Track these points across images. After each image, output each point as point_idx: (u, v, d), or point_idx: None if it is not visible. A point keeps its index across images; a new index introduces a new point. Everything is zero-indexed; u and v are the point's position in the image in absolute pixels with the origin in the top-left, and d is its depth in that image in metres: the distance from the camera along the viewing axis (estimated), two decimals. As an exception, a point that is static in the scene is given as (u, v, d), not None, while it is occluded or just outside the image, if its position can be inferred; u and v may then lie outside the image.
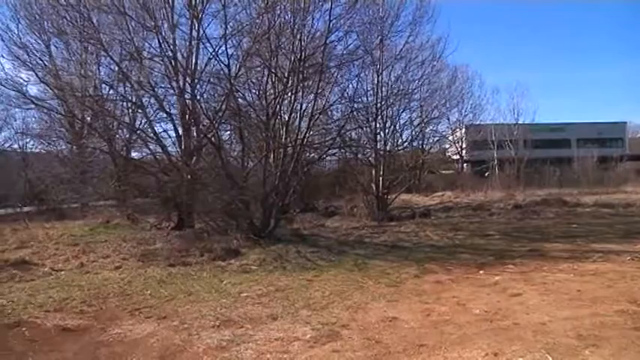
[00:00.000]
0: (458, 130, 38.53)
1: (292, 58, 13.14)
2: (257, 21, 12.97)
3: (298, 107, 14.00)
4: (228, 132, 15.22)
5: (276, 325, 6.08)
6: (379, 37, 18.61)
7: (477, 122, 44.36)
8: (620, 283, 7.99)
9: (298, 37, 13.02)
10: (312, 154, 15.54)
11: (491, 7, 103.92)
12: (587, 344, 5.12)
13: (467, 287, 8.04)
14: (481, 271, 9.31)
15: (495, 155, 47.38)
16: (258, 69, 13.79)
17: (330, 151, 15.64)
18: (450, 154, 42.98)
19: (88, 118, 16.39)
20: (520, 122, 50.12)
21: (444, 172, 39.60)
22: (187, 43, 13.88)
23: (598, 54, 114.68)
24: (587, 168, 40.00)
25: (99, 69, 16.24)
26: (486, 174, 43.36)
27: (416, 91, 21.49)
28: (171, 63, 13.27)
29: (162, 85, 13.72)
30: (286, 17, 13.13)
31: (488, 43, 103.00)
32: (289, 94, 13.52)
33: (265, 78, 13.38)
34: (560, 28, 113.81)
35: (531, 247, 12.24)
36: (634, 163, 51.12)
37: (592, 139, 54.97)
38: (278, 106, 13.41)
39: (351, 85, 16.94)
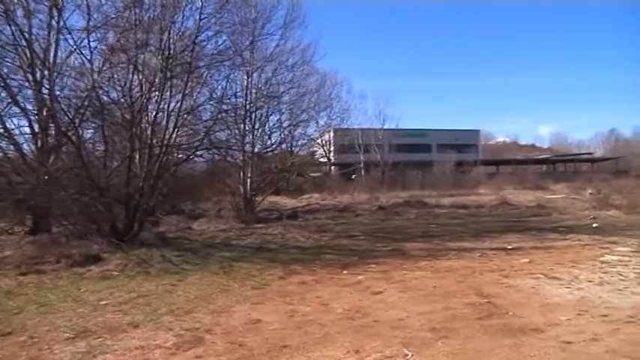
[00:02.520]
0: (326, 133, 39.41)
1: (160, 56, 12.77)
2: (124, 14, 12.44)
3: (165, 107, 13.59)
4: (91, 130, 14.42)
5: (137, 333, 5.88)
6: (250, 39, 18.64)
7: (345, 126, 45.71)
8: (470, 278, 8.72)
9: (167, 34, 12.68)
10: (180, 155, 15.17)
11: (360, 17, 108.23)
12: (439, 336, 5.54)
13: (331, 287, 8.27)
14: (345, 271, 9.60)
15: (362, 158, 49.12)
16: (124, 65, 13.22)
17: (197, 152, 15.36)
18: (318, 157, 43.87)
19: None
20: (385, 127, 52.54)
21: (312, 174, 40.32)
22: (46, 33, 12.98)
23: (456, 65, 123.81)
24: (446, 171, 42.88)
25: None
26: (353, 177, 44.83)
27: (285, 94, 21.80)
28: (25, 53, 12.31)
29: (16, 77, 12.67)
30: (155, 13, 12.75)
31: (357, 50, 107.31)
32: (156, 92, 13.11)
33: (131, 75, 12.86)
34: (423, 39, 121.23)
35: (393, 246, 12.87)
36: (486, 168, 55.78)
37: (450, 145, 58.79)
38: (144, 105, 12.95)
39: (220, 86, 16.79)
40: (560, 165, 69.21)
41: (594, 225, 16.46)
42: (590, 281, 8.16)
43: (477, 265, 9.89)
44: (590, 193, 26.12)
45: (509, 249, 11.87)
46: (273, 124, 22.84)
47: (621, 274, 8.60)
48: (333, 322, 6.23)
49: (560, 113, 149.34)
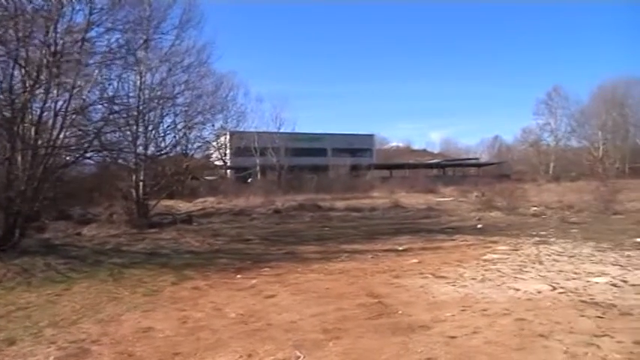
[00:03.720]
0: (222, 136, 39.05)
1: (45, 51, 12.05)
2: (2, 2, 11.62)
3: (52, 105, 12.85)
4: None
5: (12, 350, 5.49)
6: (144, 38, 18.00)
7: (241, 129, 45.52)
8: (361, 279, 8.98)
9: (53, 27, 12.00)
10: (68, 157, 14.38)
11: (257, 19, 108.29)
12: (331, 337, 5.67)
13: (224, 292, 8.24)
14: (239, 275, 9.60)
15: (258, 162, 49.07)
16: (3, 59, 12.34)
17: (87, 154, 14.63)
18: (214, 160, 43.33)
19: None
20: (282, 131, 52.77)
21: (207, 177, 39.73)
22: None
23: (351, 71, 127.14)
24: (341, 175, 43.85)
25: None
26: (249, 180, 44.68)
27: (180, 95, 21.24)
28: None
29: None
30: (39, 3, 12.04)
31: (253, 54, 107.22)
32: (41, 90, 12.36)
33: (11, 70, 12.04)
34: (317, 44, 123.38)
35: (287, 250, 13.00)
36: (379, 172, 57.64)
37: (345, 149, 60.14)
38: (27, 103, 12.16)
39: (111, 86, 16.06)
40: (449, 169, 72.99)
41: (479, 226, 17.48)
42: (474, 279, 8.70)
43: (369, 267, 10.21)
44: (476, 196, 27.38)
45: (400, 250, 12.33)
46: (168, 126, 22.16)
47: (500, 271, 9.25)
48: (225, 327, 6.21)
49: (449, 120, 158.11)
